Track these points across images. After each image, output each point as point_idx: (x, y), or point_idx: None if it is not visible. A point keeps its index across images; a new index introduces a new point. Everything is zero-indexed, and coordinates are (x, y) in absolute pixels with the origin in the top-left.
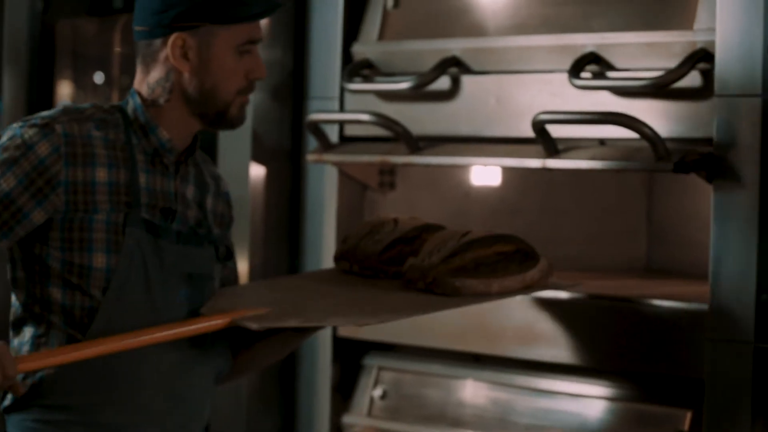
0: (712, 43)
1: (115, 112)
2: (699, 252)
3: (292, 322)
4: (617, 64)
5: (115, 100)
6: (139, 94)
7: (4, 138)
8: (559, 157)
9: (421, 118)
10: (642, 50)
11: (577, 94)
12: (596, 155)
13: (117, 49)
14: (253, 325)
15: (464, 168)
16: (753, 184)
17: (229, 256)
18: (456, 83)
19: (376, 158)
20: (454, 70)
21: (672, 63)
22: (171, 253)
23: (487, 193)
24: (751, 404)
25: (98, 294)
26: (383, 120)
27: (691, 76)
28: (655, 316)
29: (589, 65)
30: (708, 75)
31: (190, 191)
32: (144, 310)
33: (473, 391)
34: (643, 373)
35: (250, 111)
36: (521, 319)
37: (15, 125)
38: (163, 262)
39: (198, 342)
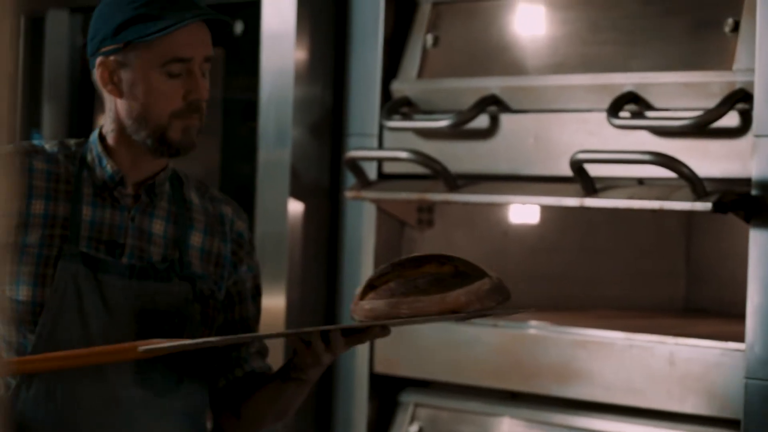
0: (751, 83)
1: (77, 146)
2: (737, 291)
3: (172, 345)
4: (656, 103)
5: None
6: (102, 127)
7: None
8: (597, 196)
9: (459, 156)
10: (680, 90)
11: (615, 134)
12: (634, 194)
13: None
14: (140, 348)
15: (502, 206)
16: None
17: (211, 296)
18: (495, 121)
19: (414, 195)
20: (492, 108)
21: (710, 103)
22: (117, 288)
23: (525, 231)
24: None
25: (27, 330)
26: (422, 157)
27: (730, 116)
28: (693, 356)
29: (628, 105)
30: (746, 115)
31: (157, 226)
32: (80, 347)
33: (509, 428)
34: (680, 413)
35: (289, 147)
36: (558, 357)
37: None
38: (105, 298)
39: (150, 384)
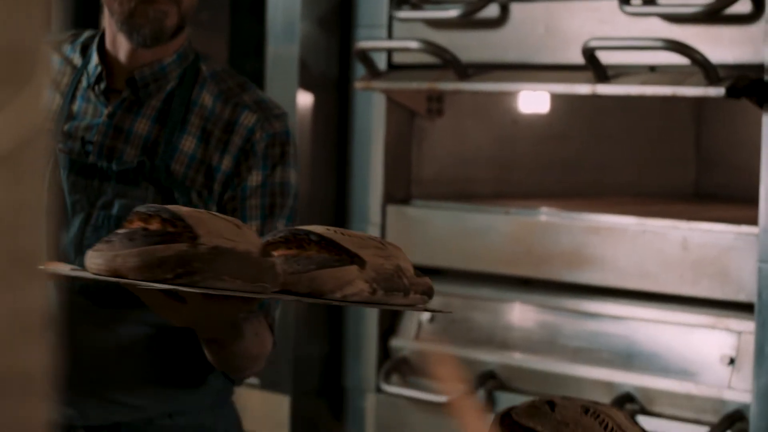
0: None
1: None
2: (748, 177)
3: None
4: None
5: None
6: None
7: None
8: (610, 83)
9: (469, 46)
10: None
11: (625, 21)
12: (647, 81)
13: None
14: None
15: (513, 94)
16: None
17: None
18: (505, 11)
19: (424, 85)
20: None
21: None
22: (79, 188)
23: (535, 120)
24: None
25: None
26: (432, 47)
27: (742, 2)
28: (706, 240)
29: None
30: (759, 1)
31: (141, 125)
32: None
33: (521, 314)
34: (692, 297)
35: (297, 40)
36: (570, 244)
37: None
38: (65, 198)
39: (90, 293)
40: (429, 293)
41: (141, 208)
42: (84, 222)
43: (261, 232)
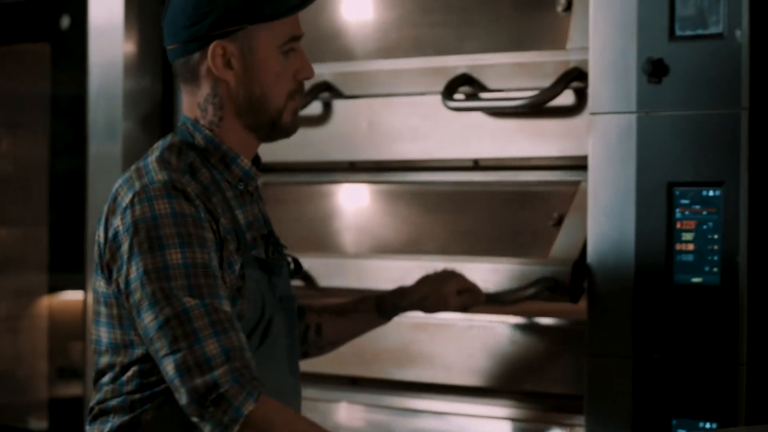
0: (585, 61)
1: (187, 150)
2: None
3: None
4: (490, 84)
5: None
6: (195, 120)
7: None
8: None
9: (293, 144)
10: (515, 70)
11: (450, 116)
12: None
13: None
14: None
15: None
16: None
17: (298, 270)
18: (328, 108)
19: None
20: (325, 95)
21: (545, 82)
22: (279, 285)
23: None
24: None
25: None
26: None
27: (565, 95)
28: (535, 334)
29: (462, 87)
30: (581, 93)
31: (261, 210)
32: (277, 353)
33: (349, 414)
34: (522, 392)
35: (119, 140)
36: (398, 341)
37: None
38: (274, 298)
39: (297, 371)
40: None
41: None
42: (280, 314)
43: None
